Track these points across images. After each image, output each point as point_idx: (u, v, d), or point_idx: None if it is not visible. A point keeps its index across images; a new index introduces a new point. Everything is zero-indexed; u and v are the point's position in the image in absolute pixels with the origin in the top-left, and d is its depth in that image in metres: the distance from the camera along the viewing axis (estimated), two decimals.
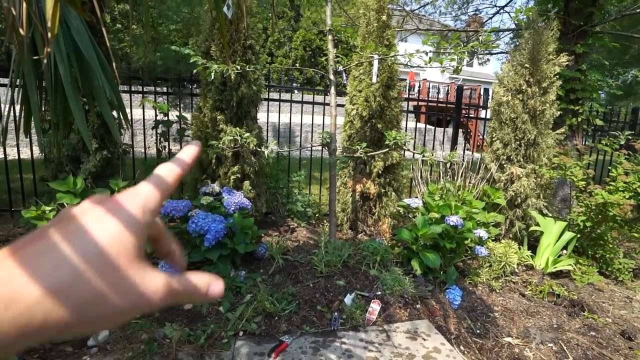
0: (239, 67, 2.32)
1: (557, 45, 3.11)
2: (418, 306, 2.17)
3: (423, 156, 2.40)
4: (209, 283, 0.27)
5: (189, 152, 0.29)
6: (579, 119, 3.94)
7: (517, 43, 3.55)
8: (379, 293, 2.22)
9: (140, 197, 0.25)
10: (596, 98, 4.18)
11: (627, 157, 3.07)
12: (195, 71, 2.35)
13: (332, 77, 2.49)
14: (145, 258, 0.24)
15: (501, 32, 5.48)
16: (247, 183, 2.91)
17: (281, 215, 3.46)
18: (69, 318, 0.20)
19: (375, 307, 2.03)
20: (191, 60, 2.23)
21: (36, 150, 3.50)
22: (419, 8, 6.72)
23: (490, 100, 3.51)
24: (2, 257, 0.20)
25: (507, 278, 2.64)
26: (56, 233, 0.22)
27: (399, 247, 2.77)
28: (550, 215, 3.09)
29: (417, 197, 3.12)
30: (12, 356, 0.45)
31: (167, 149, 3.36)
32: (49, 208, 2.37)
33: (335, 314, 1.97)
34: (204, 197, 2.41)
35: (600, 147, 3.40)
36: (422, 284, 2.36)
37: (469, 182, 3.16)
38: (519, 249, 2.88)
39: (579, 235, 2.92)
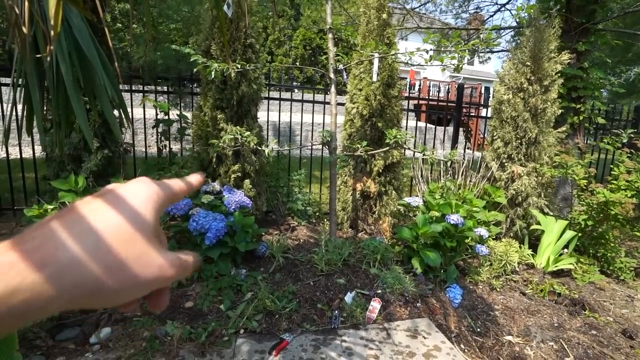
0: (239, 66, 2.33)
1: (558, 43, 3.10)
2: (418, 304, 2.17)
3: (423, 155, 2.40)
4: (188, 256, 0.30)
5: (196, 178, 0.33)
6: (581, 117, 3.93)
7: (519, 41, 3.54)
8: (380, 291, 2.22)
9: (152, 187, 0.28)
10: (598, 96, 4.17)
11: (629, 155, 3.06)
12: (195, 70, 2.36)
13: (332, 75, 2.49)
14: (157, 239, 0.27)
15: (502, 30, 5.46)
16: (247, 182, 2.92)
17: (281, 213, 3.47)
18: (99, 278, 0.22)
19: (375, 305, 2.03)
20: (191, 59, 2.23)
21: (38, 149, 3.51)
22: (419, 6, 6.70)
23: (491, 99, 3.51)
24: (33, 228, 0.23)
25: (507, 277, 2.64)
26: (82, 208, 0.25)
27: (400, 245, 2.77)
28: (551, 214, 3.09)
29: (417, 196, 3.12)
30: (16, 356, 0.46)
31: (167, 148, 3.37)
32: (51, 207, 2.38)
33: (336, 312, 1.98)
34: (205, 196, 2.42)
35: (602, 146, 3.39)
36: (422, 283, 2.36)
37: (470, 181, 3.16)
38: (520, 247, 2.87)
39: (580, 234, 2.92)
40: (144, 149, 4.50)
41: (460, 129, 4.67)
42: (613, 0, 4.96)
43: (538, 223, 2.93)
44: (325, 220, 3.50)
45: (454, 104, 4.20)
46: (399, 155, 3.17)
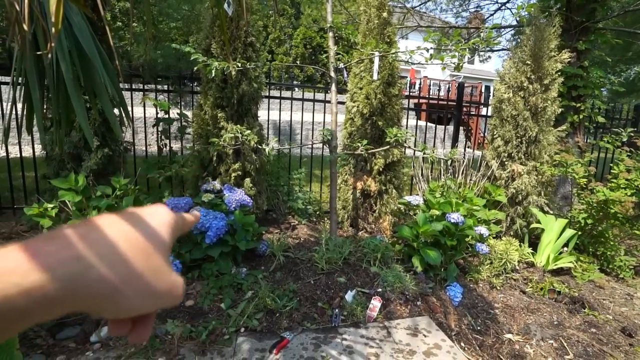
0: (239, 65, 2.32)
1: (559, 41, 3.10)
2: (419, 303, 2.18)
3: (424, 153, 2.40)
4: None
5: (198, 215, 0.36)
6: (581, 116, 3.93)
7: (519, 40, 3.54)
8: (380, 290, 2.22)
9: (170, 212, 0.30)
10: (598, 95, 4.17)
11: (629, 154, 3.06)
12: (195, 69, 2.35)
13: (332, 74, 2.49)
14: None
15: (503, 29, 5.45)
16: (248, 180, 2.92)
17: (282, 212, 3.47)
18: (113, 284, 0.23)
19: (376, 303, 2.04)
20: (192, 58, 2.23)
21: (38, 148, 3.51)
22: (419, 5, 6.69)
23: (491, 98, 3.50)
24: (47, 233, 0.24)
25: (507, 275, 2.64)
26: (99, 220, 0.25)
27: (400, 244, 2.77)
28: (551, 212, 3.09)
29: (417, 195, 3.12)
30: (17, 355, 0.46)
31: (168, 147, 3.36)
32: (51, 205, 2.38)
33: (336, 310, 1.98)
34: (205, 195, 2.42)
35: (602, 145, 3.39)
36: (422, 281, 2.36)
37: (470, 180, 3.16)
38: (520, 246, 2.88)
39: (580, 233, 2.92)
40: (144, 148, 4.49)
41: (461, 127, 4.66)
42: None
43: (538, 222, 2.93)
44: (326, 218, 3.50)
45: (455, 103, 4.20)
46: (399, 154, 3.17)
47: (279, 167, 3.58)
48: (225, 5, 2.03)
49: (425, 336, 1.89)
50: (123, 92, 1.53)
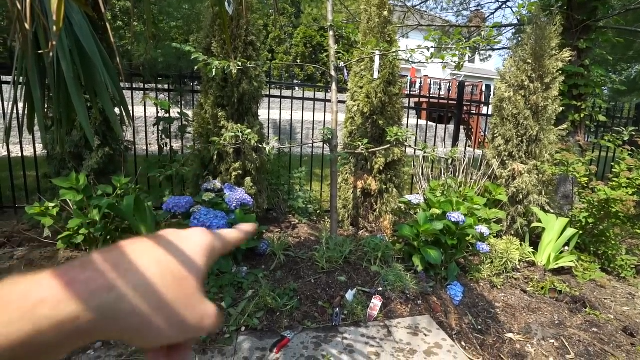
0: (240, 64, 2.32)
1: (560, 40, 3.09)
2: (419, 302, 2.18)
3: (424, 153, 2.40)
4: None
5: (249, 227, 0.35)
6: (582, 115, 3.92)
7: (520, 38, 3.53)
8: (381, 289, 2.22)
9: (208, 236, 0.29)
10: (599, 94, 4.16)
11: (630, 153, 3.06)
12: (196, 68, 2.35)
13: (333, 73, 2.48)
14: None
15: (503, 28, 5.43)
16: (248, 179, 2.92)
17: (282, 211, 3.47)
18: (145, 315, 0.22)
19: (376, 302, 2.04)
20: (192, 57, 2.23)
21: (39, 147, 3.51)
22: (420, 4, 6.67)
23: (492, 97, 3.50)
24: (76, 262, 0.23)
25: (508, 274, 2.64)
26: (129, 246, 0.25)
27: (400, 243, 2.77)
28: (552, 211, 3.09)
29: (418, 194, 3.12)
30: None
31: (168, 146, 3.37)
32: (52, 204, 2.38)
33: (337, 309, 1.98)
34: (206, 194, 2.42)
35: (603, 144, 3.39)
36: (423, 280, 2.36)
37: (471, 179, 3.15)
38: (521, 245, 2.88)
39: (581, 232, 2.91)
40: (145, 147, 4.49)
41: (461, 126, 4.66)
42: None
43: (539, 221, 2.93)
44: (326, 218, 3.50)
45: (455, 102, 4.19)
46: (399, 153, 3.17)
47: (279, 166, 3.58)
48: (226, 4, 2.03)
49: (425, 335, 1.89)
50: (124, 91, 1.53)
